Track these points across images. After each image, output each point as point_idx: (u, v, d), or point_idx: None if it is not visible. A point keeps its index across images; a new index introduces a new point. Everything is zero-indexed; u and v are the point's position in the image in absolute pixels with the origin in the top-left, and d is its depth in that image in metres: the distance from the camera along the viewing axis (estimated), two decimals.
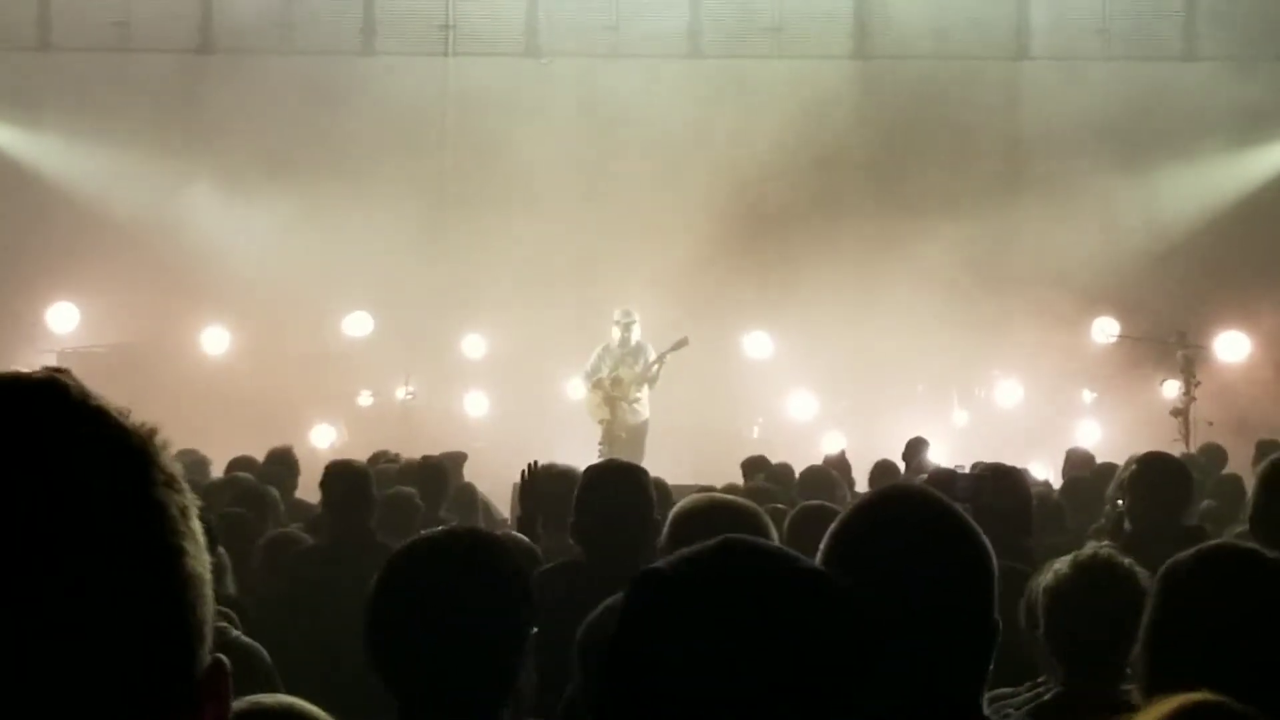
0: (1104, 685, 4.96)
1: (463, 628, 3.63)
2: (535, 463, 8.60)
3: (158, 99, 22.41)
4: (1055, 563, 5.20)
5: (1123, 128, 22.14)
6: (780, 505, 8.44)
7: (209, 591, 1.61)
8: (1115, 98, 22.31)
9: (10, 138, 22.89)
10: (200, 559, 1.60)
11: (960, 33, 22.59)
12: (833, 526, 2.98)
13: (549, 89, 22.39)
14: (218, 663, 1.61)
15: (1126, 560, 5.23)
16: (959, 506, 3.12)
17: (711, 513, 4.76)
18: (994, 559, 2.97)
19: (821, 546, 2.93)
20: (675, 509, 5.06)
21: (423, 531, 3.97)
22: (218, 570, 7.57)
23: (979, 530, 2.98)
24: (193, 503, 1.61)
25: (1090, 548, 5.31)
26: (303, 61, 22.61)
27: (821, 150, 21.65)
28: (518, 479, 9.11)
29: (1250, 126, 22.36)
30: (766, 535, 4.52)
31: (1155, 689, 4.15)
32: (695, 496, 5.35)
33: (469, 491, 13.21)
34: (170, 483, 1.59)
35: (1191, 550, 4.17)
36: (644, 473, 6.67)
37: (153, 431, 1.62)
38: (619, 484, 6.49)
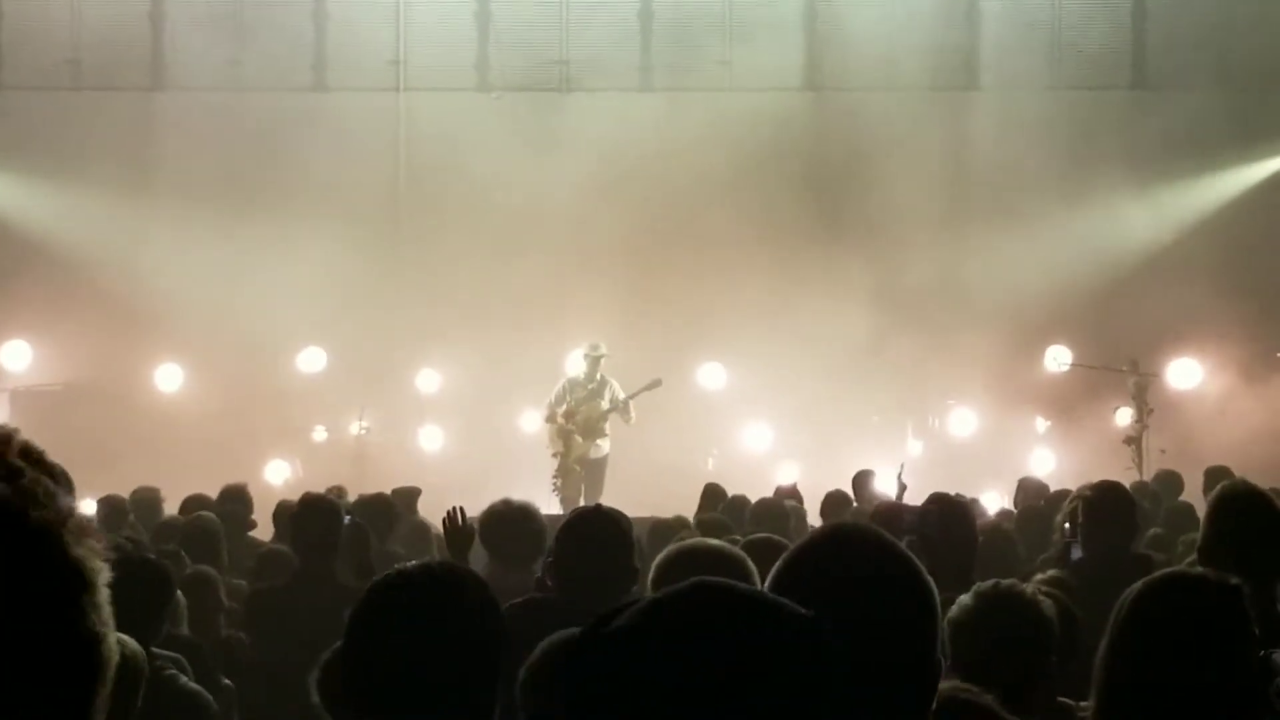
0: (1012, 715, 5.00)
1: (438, 662, 3.63)
2: (459, 509, 8.64)
3: (109, 136, 22.31)
4: (962, 595, 5.22)
5: (1072, 156, 22.27)
6: (736, 537, 8.48)
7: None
8: (1065, 126, 22.45)
9: None
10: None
11: (910, 63, 22.68)
12: (776, 566, 2.97)
13: (500, 123, 22.40)
14: None
15: (1029, 590, 5.27)
16: (902, 542, 3.13)
17: (695, 559, 4.78)
18: (937, 597, 2.94)
19: (765, 587, 2.93)
20: (661, 556, 5.08)
21: (397, 566, 3.96)
22: (173, 613, 7.58)
23: (922, 569, 2.96)
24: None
25: (991, 581, 5.32)
26: (254, 98, 22.56)
27: (773, 181, 21.74)
28: (474, 515, 9.10)
29: (1200, 154, 22.48)
30: (750, 581, 4.52)
31: (1110, 711, 4.21)
32: (686, 542, 5.38)
33: (423, 528, 13.15)
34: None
35: (1144, 579, 4.23)
36: (625, 519, 6.71)
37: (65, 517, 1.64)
38: (600, 529, 6.52)
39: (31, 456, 1.65)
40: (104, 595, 1.65)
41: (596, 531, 6.49)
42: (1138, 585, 4.24)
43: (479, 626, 3.73)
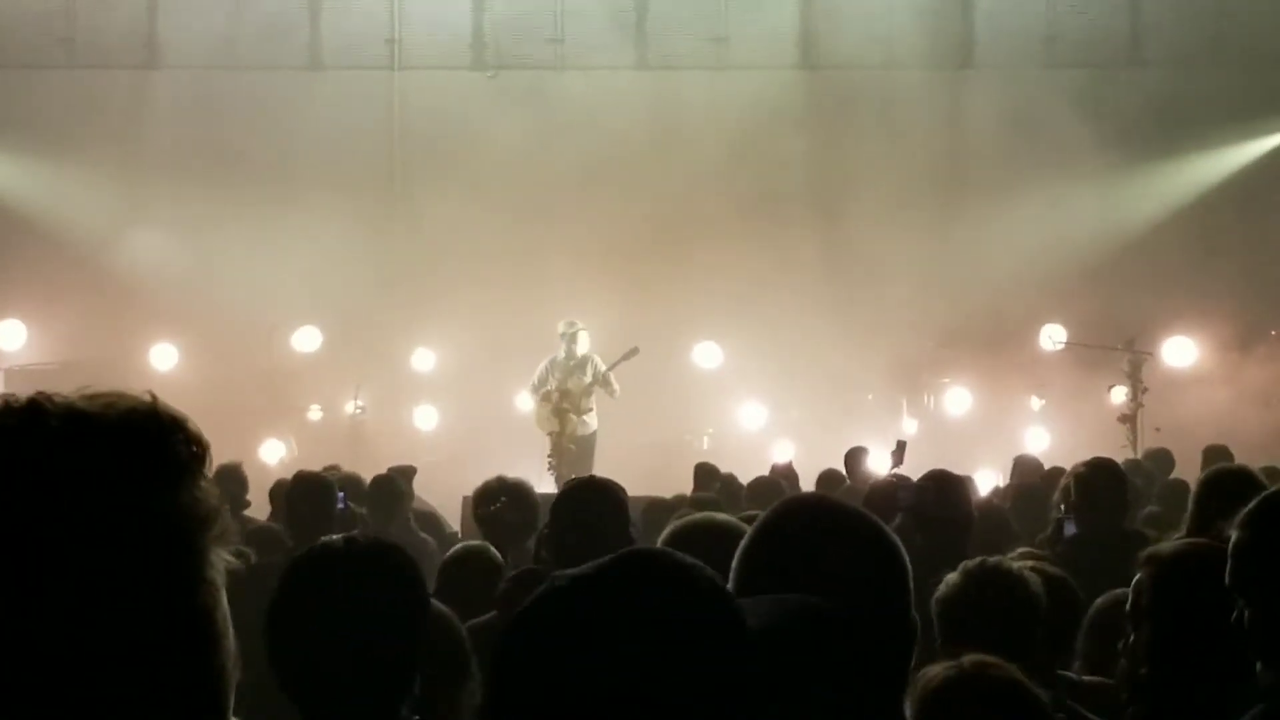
0: None
1: (359, 633, 3.61)
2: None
3: (104, 115, 22.28)
4: (949, 574, 5.22)
5: (1068, 134, 22.22)
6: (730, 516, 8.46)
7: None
8: (1060, 104, 22.41)
9: None
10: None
11: (905, 42, 22.66)
12: (743, 543, 2.96)
13: (495, 101, 22.37)
14: None
15: (1016, 567, 5.26)
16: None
17: (695, 533, 4.77)
18: (905, 556, 2.93)
19: (733, 566, 2.92)
20: (668, 530, 5.07)
21: (322, 539, 3.92)
22: None
23: (885, 528, 2.95)
24: None
25: (978, 558, 5.32)
26: (249, 76, 22.53)
27: (768, 159, 21.71)
28: (468, 493, 9.10)
29: (1195, 131, 22.46)
30: None
31: (1149, 669, 4.26)
32: (693, 516, 5.37)
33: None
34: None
35: (1178, 543, 4.29)
36: (622, 490, 6.69)
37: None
38: (597, 499, 6.51)
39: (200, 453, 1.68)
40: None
41: (591, 502, 6.49)
42: (1166, 548, 4.29)
43: (400, 597, 3.73)
